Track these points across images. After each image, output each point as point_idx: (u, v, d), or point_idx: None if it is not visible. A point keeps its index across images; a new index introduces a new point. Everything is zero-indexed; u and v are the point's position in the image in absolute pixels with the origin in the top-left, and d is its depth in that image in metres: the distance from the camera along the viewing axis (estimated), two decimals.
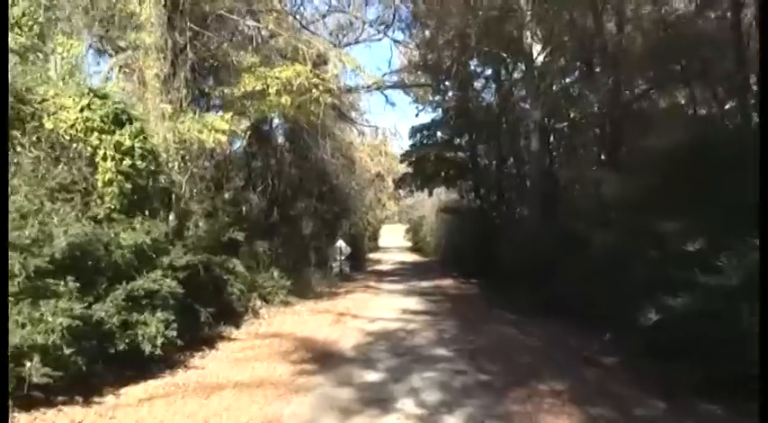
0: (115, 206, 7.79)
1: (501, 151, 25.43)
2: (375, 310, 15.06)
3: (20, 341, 5.57)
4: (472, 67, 25.01)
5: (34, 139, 7.47)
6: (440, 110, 29.16)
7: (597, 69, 13.77)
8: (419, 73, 25.01)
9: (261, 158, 18.94)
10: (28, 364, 5.63)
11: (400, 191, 37.34)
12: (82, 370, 6.33)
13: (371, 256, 45.65)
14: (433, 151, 28.89)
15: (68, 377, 6.22)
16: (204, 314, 9.87)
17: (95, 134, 7.71)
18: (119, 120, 7.93)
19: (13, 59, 8.17)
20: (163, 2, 10.10)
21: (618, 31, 13.57)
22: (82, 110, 7.64)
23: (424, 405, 6.48)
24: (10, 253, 5.56)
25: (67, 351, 6.01)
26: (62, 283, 6.20)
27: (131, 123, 8.01)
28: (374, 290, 21.12)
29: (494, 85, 25.77)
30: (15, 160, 7.12)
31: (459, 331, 11.73)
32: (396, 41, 21.61)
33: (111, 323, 6.77)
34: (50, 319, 5.83)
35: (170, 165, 9.72)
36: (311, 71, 11.29)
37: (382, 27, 19.61)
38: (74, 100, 7.69)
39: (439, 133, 29.17)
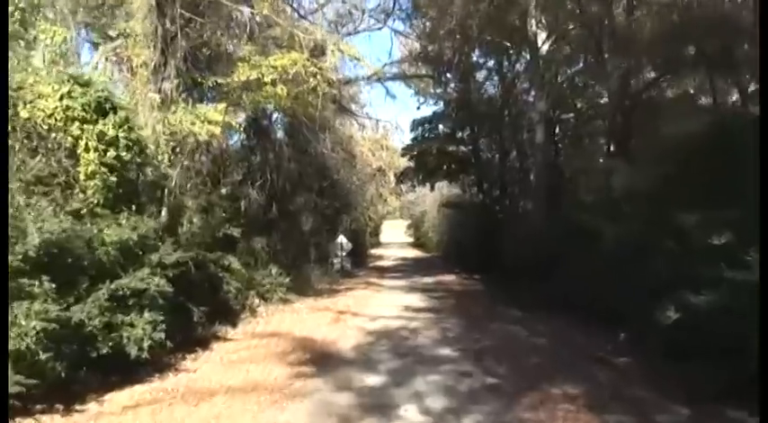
0: (98, 200, 7.31)
1: (503, 144, 25.11)
2: (376, 307, 14.64)
3: None
4: (474, 59, 24.58)
5: (9, 128, 6.97)
6: (441, 103, 28.72)
7: (606, 56, 13.20)
8: (420, 64, 24.46)
9: (259, 153, 18.46)
10: None
11: (402, 186, 37.01)
12: (61, 376, 5.90)
13: (373, 251, 45.31)
14: (435, 145, 28.50)
15: (47, 384, 5.79)
16: (197, 314, 9.44)
17: (76, 124, 7.22)
18: (102, 108, 7.43)
19: None
20: None
21: (628, 15, 13.04)
22: (62, 98, 7.16)
23: (429, 412, 6.03)
24: None
25: (44, 356, 5.58)
26: (37, 283, 5.73)
27: (116, 112, 7.51)
28: (375, 286, 20.69)
29: (496, 77, 25.36)
30: None
31: (463, 329, 11.29)
32: (396, 32, 21.08)
33: (93, 325, 6.31)
34: (24, 322, 5.38)
35: (160, 157, 9.23)
36: (308, 60, 10.79)
37: (382, 16, 19.08)
38: (53, 87, 7.21)
39: (441, 126, 28.69)
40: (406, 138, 30.45)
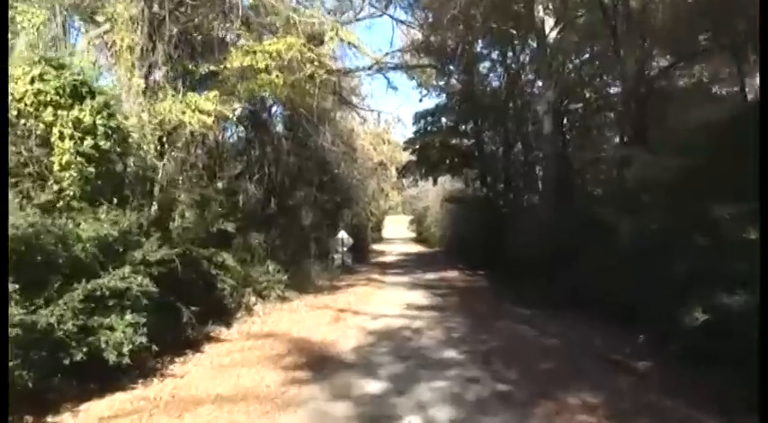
0: (75, 193, 6.71)
1: (508, 137, 24.65)
2: (378, 305, 14.12)
3: None
4: (478, 49, 23.99)
5: None
6: (444, 95, 28.18)
7: (620, 41, 12.52)
8: (422, 55, 23.86)
9: (258, 146, 17.94)
10: None
11: (404, 180, 36.54)
12: (30, 385, 5.35)
13: (375, 247, 44.79)
14: (438, 138, 28.05)
15: (15, 394, 5.23)
16: (187, 314, 8.89)
17: (49, 109, 6.61)
18: (78, 93, 6.81)
19: None
20: None
21: None
22: (33, 81, 6.55)
23: None
24: None
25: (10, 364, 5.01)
26: None
27: (93, 98, 6.89)
28: (377, 283, 20.16)
29: (500, 69, 24.78)
30: None
31: (468, 329, 10.74)
32: (397, 21, 20.42)
33: (65, 329, 5.74)
34: None
35: (145, 147, 8.64)
36: (304, 45, 10.19)
37: (383, 3, 18.46)
38: (23, 69, 6.63)
39: (444, 119, 28.24)
40: (409, 131, 30.09)
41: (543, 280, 13.34)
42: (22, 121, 6.61)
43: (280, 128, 19.78)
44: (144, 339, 6.58)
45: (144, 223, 7.94)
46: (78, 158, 6.70)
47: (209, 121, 9.57)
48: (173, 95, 9.43)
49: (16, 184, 6.39)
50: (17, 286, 5.24)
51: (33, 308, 5.47)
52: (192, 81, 10.94)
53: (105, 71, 9.43)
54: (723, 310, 5.70)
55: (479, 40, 22.92)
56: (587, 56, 17.49)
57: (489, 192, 26.08)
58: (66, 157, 6.61)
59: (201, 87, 10.85)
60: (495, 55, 24.59)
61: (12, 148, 6.43)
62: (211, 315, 10.43)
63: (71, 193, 6.71)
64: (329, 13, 16.86)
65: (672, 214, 7.18)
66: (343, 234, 23.93)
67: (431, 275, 22.59)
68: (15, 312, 5.10)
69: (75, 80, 6.80)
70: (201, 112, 9.53)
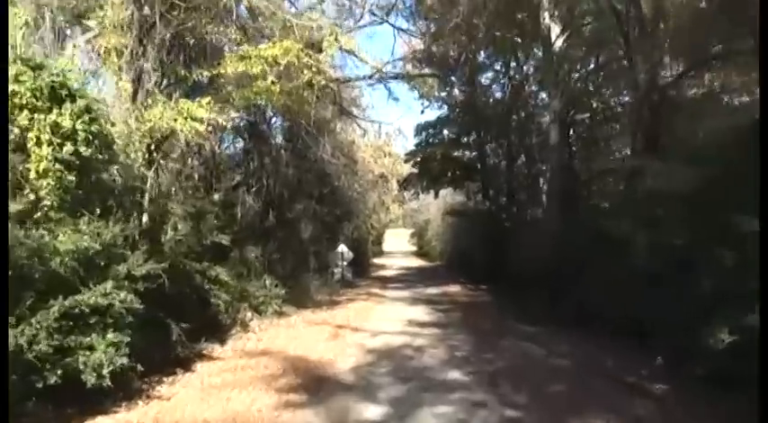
0: (53, 203, 6.28)
1: (511, 150, 24.41)
2: (378, 321, 13.68)
3: None
4: (481, 59, 23.71)
5: None
6: (446, 106, 27.90)
7: (632, 47, 12.07)
8: (424, 65, 23.55)
9: (256, 157, 17.56)
10: None
11: (405, 193, 36.23)
12: None
13: (375, 261, 44.35)
14: (440, 150, 27.70)
15: None
16: (176, 331, 8.44)
17: (25, 112, 6.19)
18: (56, 95, 6.38)
19: None
20: None
21: None
22: None
23: None
24: None
25: None
26: None
27: (74, 101, 6.47)
28: (378, 297, 19.72)
29: (503, 80, 24.47)
30: None
31: (473, 348, 10.28)
32: (399, 29, 20.08)
33: (38, 350, 5.29)
34: None
35: (133, 155, 8.21)
36: (302, 50, 9.79)
37: (384, 11, 18.13)
38: None
39: (445, 131, 27.95)
40: (410, 144, 29.75)
41: (547, 295, 12.93)
42: None
43: (279, 139, 19.41)
44: (125, 360, 6.10)
45: (130, 236, 7.50)
46: (57, 166, 6.24)
47: (202, 128, 9.13)
48: (164, 102, 9.00)
49: None
50: None
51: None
52: (186, 88, 10.54)
53: (93, 77, 8.98)
54: (750, 332, 5.23)
55: (482, 51, 22.63)
56: (594, 65, 17.15)
57: (492, 205, 25.72)
58: (43, 165, 6.16)
59: (195, 95, 10.43)
60: (498, 66, 24.38)
61: None
62: (205, 331, 9.99)
63: (49, 203, 6.26)
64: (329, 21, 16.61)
65: (693, 228, 6.73)
66: (342, 248, 23.52)
67: (432, 290, 22.19)
68: None
69: (53, 82, 6.36)
70: (194, 119, 9.07)
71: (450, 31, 18.18)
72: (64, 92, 6.47)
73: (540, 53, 17.50)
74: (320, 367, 8.75)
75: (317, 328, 12.54)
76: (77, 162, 6.45)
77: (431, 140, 27.92)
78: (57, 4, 9.11)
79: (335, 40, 10.44)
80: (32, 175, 6.22)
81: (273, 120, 18.79)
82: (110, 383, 5.99)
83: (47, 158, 6.19)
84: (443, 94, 27.19)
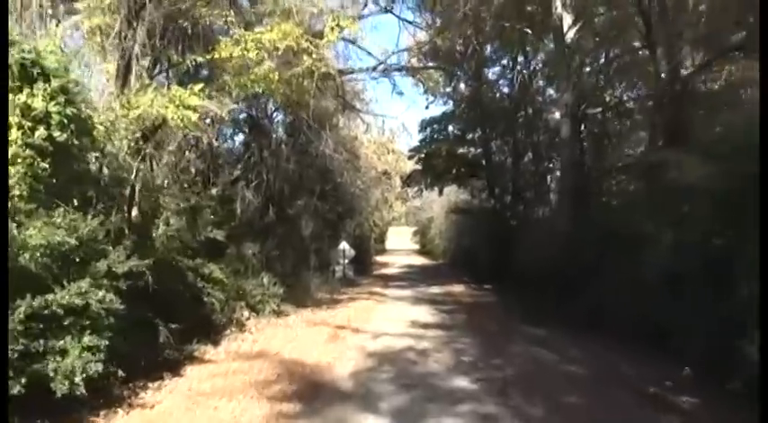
0: (23, 192, 5.71)
1: (517, 147, 23.81)
2: (380, 321, 13.12)
3: None
4: (487, 54, 23.14)
5: None
6: (451, 102, 27.30)
7: (653, 35, 11.41)
8: (429, 59, 22.97)
9: (256, 151, 17.05)
10: None
11: (408, 190, 35.75)
12: None
13: (378, 258, 43.88)
14: (444, 147, 27.14)
15: None
16: (164, 332, 7.91)
17: None
18: (27, 74, 5.81)
19: None
20: None
21: None
22: None
23: None
24: None
25: None
26: None
27: (47, 81, 5.92)
28: (379, 296, 19.15)
29: (510, 74, 23.85)
30: None
31: (480, 352, 9.70)
32: (404, 20, 19.47)
33: None
34: None
35: (117, 143, 7.63)
36: (302, 35, 9.21)
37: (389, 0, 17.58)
38: None
39: (450, 127, 27.34)
40: (414, 140, 29.23)
41: (554, 296, 12.40)
42: None
43: (280, 133, 18.91)
44: (100, 367, 5.54)
45: (113, 230, 6.94)
46: (27, 151, 5.68)
47: (195, 117, 8.53)
48: (155, 88, 8.44)
49: None
50: None
51: None
52: (180, 75, 9.99)
53: (76, 58, 8.36)
54: None
55: (489, 44, 22.05)
56: (606, 57, 16.54)
57: (497, 203, 25.10)
58: (12, 150, 5.61)
59: (191, 82, 9.87)
60: (505, 61, 23.77)
61: None
62: (197, 332, 9.46)
63: (18, 193, 5.69)
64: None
65: (724, 226, 6.15)
66: (344, 245, 23.11)
67: (435, 289, 21.61)
68: None
69: (24, 59, 5.81)
70: (186, 107, 8.49)
71: (457, 22, 17.56)
72: (36, 70, 5.90)
73: (550, 46, 16.90)
74: (317, 372, 8.19)
75: (315, 328, 12.02)
76: (51, 148, 5.88)
77: (435, 136, 27.30)
78: None
79: (338, 24, 9.83)
80: None
81: (275, 113, 18.37)
82: (84, 391, 5.45)
83: (16, 143, 5.62)
84: (449, 89, 26.58)
